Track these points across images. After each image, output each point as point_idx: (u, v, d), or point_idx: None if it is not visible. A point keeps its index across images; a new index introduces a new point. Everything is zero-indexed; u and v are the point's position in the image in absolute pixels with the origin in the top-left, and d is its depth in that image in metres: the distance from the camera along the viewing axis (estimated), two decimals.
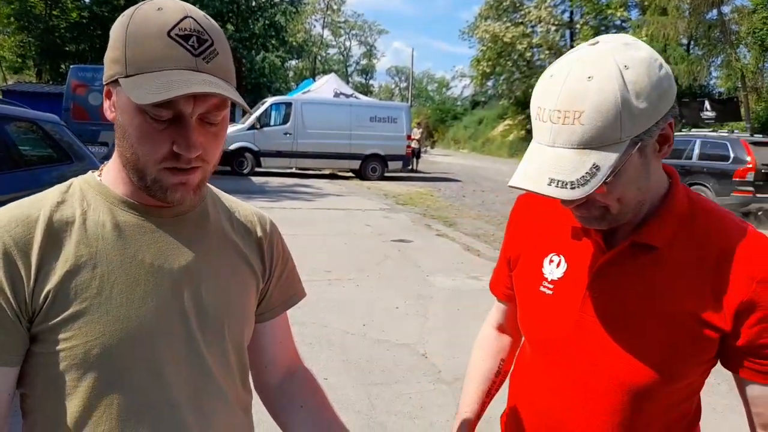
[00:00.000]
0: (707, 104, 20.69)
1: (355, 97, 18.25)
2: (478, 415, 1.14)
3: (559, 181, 0.77)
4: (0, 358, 0.72)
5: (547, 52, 31.77)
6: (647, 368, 0.87)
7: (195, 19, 0.73)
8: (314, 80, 24.36)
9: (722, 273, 0.85)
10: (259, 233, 0.95)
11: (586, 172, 0.76)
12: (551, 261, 0.97)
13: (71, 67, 10.65)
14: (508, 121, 37.29)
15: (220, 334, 0.85)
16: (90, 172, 0.85)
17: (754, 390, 0.88)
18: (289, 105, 15.72)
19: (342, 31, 56.39)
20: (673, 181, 0.91)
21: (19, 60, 24.09)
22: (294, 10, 29.09)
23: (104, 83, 0.76)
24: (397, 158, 16.42)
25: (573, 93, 0.76)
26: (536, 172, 0.79)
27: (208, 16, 0.76)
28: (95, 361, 0.74)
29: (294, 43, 34.30)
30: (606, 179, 0.77)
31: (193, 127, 0.73)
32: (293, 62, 41.11)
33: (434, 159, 27.82)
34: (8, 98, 7.61)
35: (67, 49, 23.07)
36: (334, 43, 56.50)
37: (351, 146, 15.84)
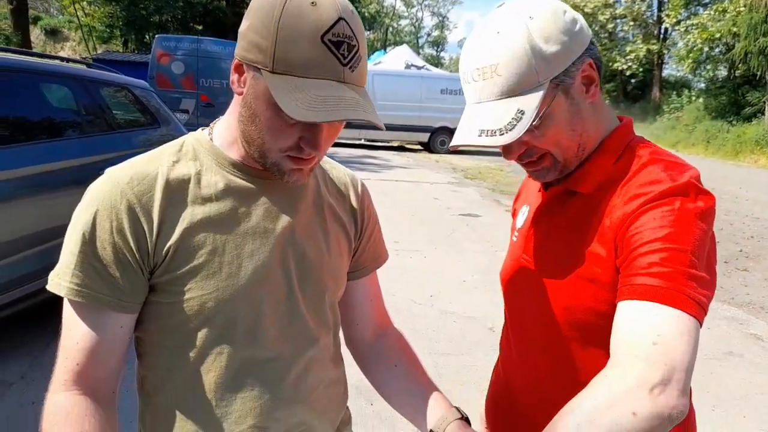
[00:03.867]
0: None
1: (426, 69, 18.03)
2: None
3: (488, 130, 0.81)
4: (122, 306, 0.78)
5: (632, 23, 29.80)
6: (571, 302, 0.88)
7: (347, 22, 0.72)
8: (385, 52, 24.24)
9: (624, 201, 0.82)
10: (352, 195, 0.98)
11: (512, 118, 0.80)
12: (521, 212, 1.06)
13: (156, 36, 11.07)
14: None
15: (318, 291, 0.88)
16: (200, 130, 0.88)
17: (620, 311, 0.75)
18: None
19: (414, 2, 55.54)
20: (618, 127, 0.91)
21: (108, 30, 25.39)
22: None
23: (238, 58, 0.75)
24: None
25: (485, 49, 0.82)
26: (468, 128, 0.84)
27: (354, 11, 0.75)
28: (209, 313, 0.79)
29: (366, 15, 34.13)
30: (533, 122, 0.80)
31: (323, 128, 0.76)
32: (365, 33, 41.00)
33: None
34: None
35: (152, 20, 24.08)
36: (406, 14, 55.82)
37: (420, 118, 15.77)
